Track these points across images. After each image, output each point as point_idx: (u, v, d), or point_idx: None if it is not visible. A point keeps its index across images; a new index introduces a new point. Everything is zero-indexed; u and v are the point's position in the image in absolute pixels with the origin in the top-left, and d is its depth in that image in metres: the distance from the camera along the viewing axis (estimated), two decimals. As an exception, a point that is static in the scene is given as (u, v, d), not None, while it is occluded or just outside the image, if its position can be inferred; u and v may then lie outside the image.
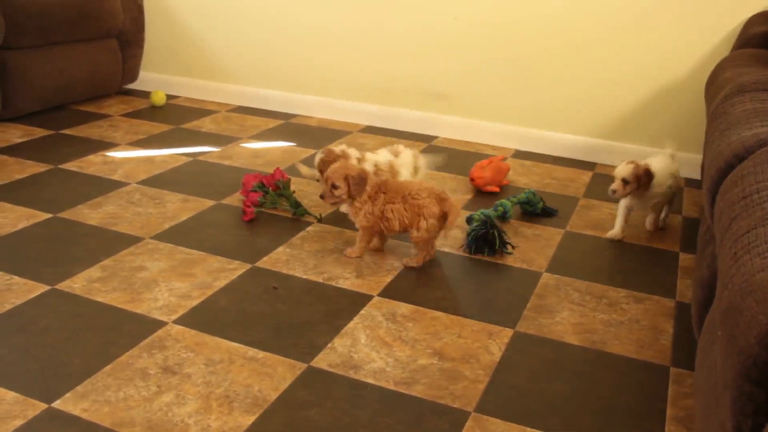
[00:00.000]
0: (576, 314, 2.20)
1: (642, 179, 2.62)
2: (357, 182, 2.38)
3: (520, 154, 3.69)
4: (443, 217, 2.38)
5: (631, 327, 2.15)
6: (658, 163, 2.72)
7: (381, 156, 2.79)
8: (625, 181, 2.62)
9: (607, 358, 1.99)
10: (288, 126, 3.97)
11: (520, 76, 3.68)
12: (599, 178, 3.41)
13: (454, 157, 3.57)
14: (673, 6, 3.32)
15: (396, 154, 2.82)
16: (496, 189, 3.12)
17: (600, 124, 3.62)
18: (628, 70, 3.48)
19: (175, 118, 3.98)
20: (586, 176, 3.43)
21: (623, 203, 2.73)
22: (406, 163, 2.81)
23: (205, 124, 3.90)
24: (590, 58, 3.53)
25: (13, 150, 3.32)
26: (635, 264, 2.56)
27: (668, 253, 2.65)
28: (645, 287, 2.38)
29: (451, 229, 2.42)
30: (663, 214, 2.84)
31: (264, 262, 2.40)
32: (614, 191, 2.64)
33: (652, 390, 1.87)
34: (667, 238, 2.77)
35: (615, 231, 2.74)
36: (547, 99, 3.68)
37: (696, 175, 3.47)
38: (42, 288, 2.18)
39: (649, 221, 2.82)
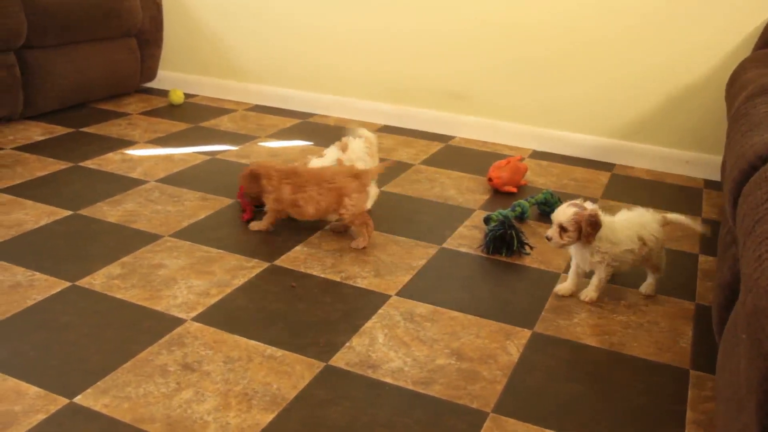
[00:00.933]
0: (594, 315, 2.20)
1: (583, 228, 2.15)
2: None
3: (537, 155, 3.68)
4: (362, 188, 2.51)
5: (650, 329, 2.14)
6: (630, 217, 2.28)
7: (327, 158, 2.75)
8: (562, 228, 2.17)
9: (626, 359, 1.99)
10: (305, 125, 3.98)
11: (537, 76, 3.67)
12: (618, 179, 3.39)
13: (471, 157, 3.57)
14: (693, 4, 3.30)
15: (344, 149, 2.78)
16: (514, 189, 3.12)
17: (618, 124, 3.61)
18: (647, 70, 3.47)
19: (193, 117, 4.00)
20: (604, 177, 3.42)
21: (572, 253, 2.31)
22: (358, 154, 2.77)
23: (223, 123, 3.92)
24: (609, 58, 3.51)
25: (34, 148, 3.35)
26: (654, 266, 2.55)
27: (687, 255, 2.64)
28: (664, 289, 2.37)
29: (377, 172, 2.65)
30: (648, 281, 2.35)
31: (282, 261, 2.41)
32: (549, 238, 2.20)
33: (672, 393, 1.86)
34: (686, 240, 2.76)
35: (564, 285, 2.31)
36: (565, 99, 3.67)
37: (715, 176, 3.44)
38: (63, 284, 2.20)
39: (644, 285, 2.36)
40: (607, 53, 3.51)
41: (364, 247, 2.53)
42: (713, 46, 3.33)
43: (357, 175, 2.51)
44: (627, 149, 3.61)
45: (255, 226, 2.62)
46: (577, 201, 2.22)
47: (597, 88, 3.59)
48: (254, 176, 2.56)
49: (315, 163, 2.74)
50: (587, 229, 2.15)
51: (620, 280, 2.41)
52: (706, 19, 3.30)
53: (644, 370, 1.94)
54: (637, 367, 1.95)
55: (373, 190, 2.83)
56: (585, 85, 3.61)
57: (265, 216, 2.61)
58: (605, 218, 2.21)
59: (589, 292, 2.27)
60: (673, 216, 2.32)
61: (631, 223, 2.25)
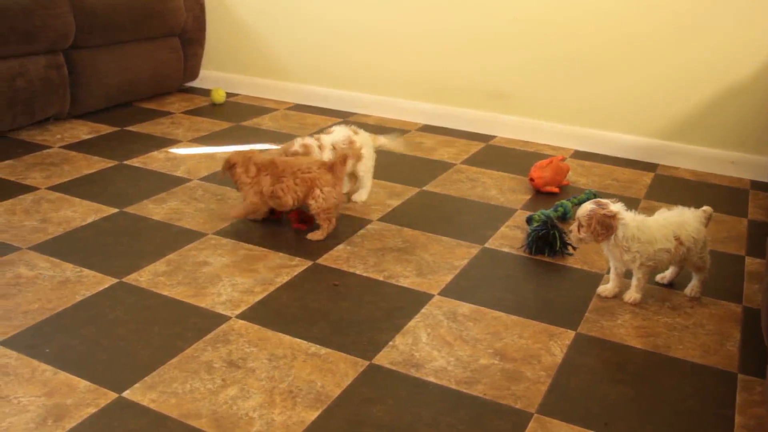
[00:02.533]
0: (638, 317, 2.17)
1: (595, 227, 2.17)
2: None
3: (579, 155, 3.65)
4: (337, 182, 2.56)
5: (696, 331, 2.11)
6: (668, 216, 2.25)
7: (338, 134, 2.89)
8: (580, 224, 2.21)
9: (672, 362, 1.96)
10: (346, 124, 3.98)
11: (579, 75, 3.64)
12: (661, 180, 3.35)
13: (512, 157, 3.55)
14: (740, 1, 3.24)
15: (355, 132, 2.91)
16: (556, 189, 3.10)
17: (662, 124, 3.56)
18: (691, 67, 3.41)
19: (235, 116, 4.04)
20: (647, 177, 3.38)
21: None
22: (366, 142, 2.90)
23: (265, 122, 3.95)
24: (653, 56, 3.47)
25: (80, 146, 3.41)
26: (699, 267, 2.51)
27: (734, 257, 2.60)
28: (710, 291, 2.33)
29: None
30: (693, 282, 2.31)
31: (325, 260, 2.43)
32: (570, 231, 2.28)
33: (719, 397, 1.83)
34: (732, 242, 2.71)
35: (606, 286, 2.30)
36: (607, 98, 3.63)
37: (762, 177, 3.38)
38: (110, 281, 2.24)
39: (688, 286, 2.33)
40: (649, 50, 3.47)
41: (319, 240, 2.57)
42: (760, 43, 3.26)
43: (331, 168, 2.56)
44: (670, 149, 3.56)
45: (232, 211, 2.66)
46: (605, 200, 2.23)
47: (639, 86, 3.55)
48: (230, 165, 2.61)
49: (326, 139, 2.87)
50: (596, 228, 2.16)
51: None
52: (753, 14, 3.24)
53: (690, 373, 1.92)
54: (683, 370, 1.93)
55: (369, 152, 2.91)
56: (627, 84, 3.57)
57: (243, 205, 2.64)
58: (637, 218, 2.20)
59: (632, 294, 2.25)
60: (708, 208, 2.28)
61: (668, 222, 2.22)
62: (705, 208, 2.27)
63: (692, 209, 2.27)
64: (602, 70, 3.59)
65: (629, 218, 2.19)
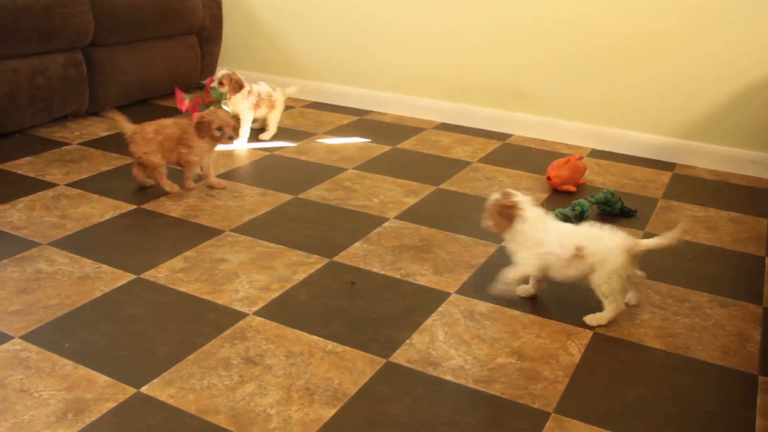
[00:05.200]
0: (657, 317, 2.16)
1: (495, 217, 2.15)
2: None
3: (596, 153, 3.63)
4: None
5: (716, 332, 2.10)
6: (585, 228, 2.13)
7: (263, 87, 3.58)
8: (487, 212, 2.20)
9: (691, 363, 1.95)
10: (363, 122, 3.99)
11: (597, 73, 3.62)
12: (679, 179, 3.33)
13: (529, 156, 3.54)
14: None
15: (273, 89, 3.62)
16: (573, 188, 3.08)
17: (681, 122, 3.54)
18: (712, 66, 3.38)
19: (251, 114, 4.04)
20: (665, 177, 3.36)
21: None
22: (279, 97, 3.64)
23: (281, 120, 3.94)
24: (671, 54, 3.45)
25: (99, 143, 3.43)
26: (719, 268, 2.49)
27: (753, 258, 2.58)
28: (729, 292, 2.32)
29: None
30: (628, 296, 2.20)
31: (341, 257, 2.43)
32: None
33: (740, 398, 1.82)
34: (752, 243, 2.69)
35: (524, 286, 2.25)
36: (624, 96, 3.61)
37: (782, 177, 3.36)
38: (128, 277, 2.25)
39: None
40: (668, 48, 3.45)
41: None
42: (782, 44, 3.24)
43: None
44: (689, 148, 3.54)
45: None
46: (513, 191, 2.17)
47: (658, 85, 3.52)
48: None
49: (255, 87, 3.56)
50: (496, 218, 2.15)
51: (684, 281, 2.36)
52: (775, 15, 3.22)
53: (710, 375, 1.91)
54: (703, 372, 1.92)
55: (281, 104, 3.67)
56: (645, 82, 3.54)
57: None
58: (539, 215, 2.14)
59: (525, 288, 2.23)
60: (650, 242, 2.10)
61: (574, 231, 2.13)
62: (637, 243, 2.09)
63: (624, 235, 2.10)
64: (620, 68, 3.57)
65: (530, 213, 2.12)
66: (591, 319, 2.12)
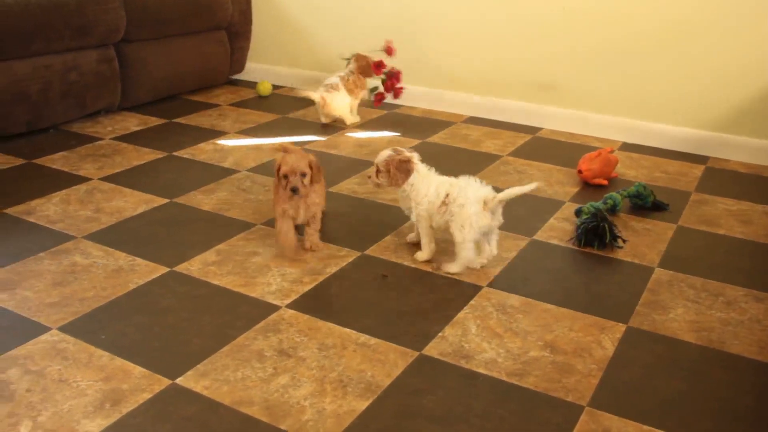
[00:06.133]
0: (691, 311, 2.14)
1: (392, 171, 2.31)
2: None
3: (627, 147, 3.60)
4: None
5: (752, 327, 2.07)
6: (456, 180, 2.30)
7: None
8: (378, 169, 2.36)
9: (726, 358, 1.93)
10: (392, 116, 3.99)
11: (627, 65, 3.59)
12: (712, 173, 3.29)
13: (559, 149, 3.52)
14: (797, -8, 3.17)
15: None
16: (605, 182, 3.06)
17: (714, 115, 3.49)
18: (743, 57, 3.33)
19: (281, 108, 4.06)
20: (697, 170, 3.32)
21: None
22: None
23: (310, 114, 3.96)
24: (702, 45, 3.40)
25: (131, 138, 3.46)
26: (754, 262, 2.46)
27: (789, 252, 2.54)
28: (765, 286, 2.28)
29: None
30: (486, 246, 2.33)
31: (373, 251, 2.43)
32: (369, 176, 2.41)
33: (776, 393, 1.80)
34: (788, 236, 2.65)
35: (418, 252, 2.39)
36: (656, 89, 3.57)
37: (818, 170, 3.30)
38: (162, 270, 2.27)
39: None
40: (700, 40, 3.40)
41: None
42: (818, 34, 3.18)
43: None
44: (722, 141, 3.49)
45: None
46: (400, 148, 2.38)
47: (689, 77, 3.48)
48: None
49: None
50: (395, 172, 2.30)
51: (719, 275, 2.34)
52: (811, 5, 3.16)
53: (747, 370, 1.88)
54: (739, 367, 1.89)
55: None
56: (677, 75, 3.50)
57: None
58: (424, 170, 2.34)
59: (420, 252, 2.38)
60: (504, 193, 2.25)
61: (448, 181, 2.31)
62: (496, 196, 2.24)
63: (487, 186, 2.28)
64: (652, 61, 3.53)
65: (421, 167, 2.33)
66: (446, 266, 2.30)
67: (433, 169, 2.37)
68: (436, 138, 3.63)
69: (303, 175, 2.29)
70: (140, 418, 1.63)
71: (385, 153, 2.35)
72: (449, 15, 3.93)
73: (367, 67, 3.78)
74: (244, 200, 2.80)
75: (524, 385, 1.78)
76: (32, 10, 3.23)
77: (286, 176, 2.28)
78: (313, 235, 2.43)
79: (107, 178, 2.96)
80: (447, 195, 2.25)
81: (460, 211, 2.22)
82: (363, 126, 3.79)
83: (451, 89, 4.08)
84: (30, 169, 3.03)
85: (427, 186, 2.30)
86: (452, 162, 3.28)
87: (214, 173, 3.06)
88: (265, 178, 3.01)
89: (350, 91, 3.74)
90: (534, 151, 3.47)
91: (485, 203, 2.22)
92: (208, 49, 4.21)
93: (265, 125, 3.74)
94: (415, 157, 2.34)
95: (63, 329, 1.94)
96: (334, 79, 3.74)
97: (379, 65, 3.81)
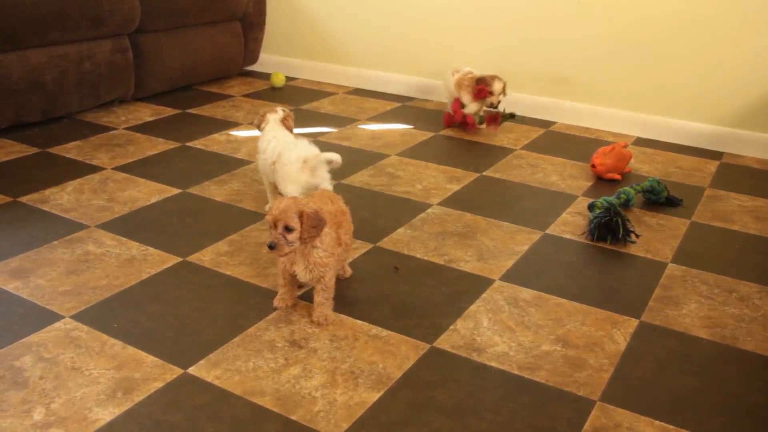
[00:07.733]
0: (704, 307, 2.13)
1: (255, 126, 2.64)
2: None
3: (641, 142, 3.58)
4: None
5: (765, 324, 2.06)
6: (293, 138, 2.50)
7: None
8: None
9: (739, 354, 1.92)
10: (405, 109, 3.99)
11: (643, 60, 3.56)
12: (726, 168, 3.27)
13: (573, 143, 3.50)
14: (816, -13, 3.13)
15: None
16: (618, 176, 3.04)
17: (728, 111, 3.46)
18: (758, 52, 3.30)
19: (294, 100, 4.06)
20: (711, 166, 3.30)
21: None
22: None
23: (324, 106, 3.96)
24: (719, 40, 3.37)
25: (144, 128, 3.47)
26: (768, 258, 2.45)
27: (804, 248, 2.52)
28: (779, 283, 2.27)
29: None
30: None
31: (385, 243, 2.43)
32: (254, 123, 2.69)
33: (790, 390, 1.79)
34: (803, 233, 2.64)
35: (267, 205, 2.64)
36: (670, 84, 3.55)
37: (834, 167, 3.27)
38: (174, 259, 2.28)
39: None
40: (716, 35, 3.37)
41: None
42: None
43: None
44: (736, 137, 3.47)
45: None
46: (280, 108, 2.65)
47: (705, 72, 3.45)
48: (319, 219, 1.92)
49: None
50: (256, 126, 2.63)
51: (732, 271, 2.32)
52: (830, 0, 3.13)
53: (759, 366, 1.87)
54: (752, 363, 1.88)
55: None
56: (692, 70, 3.48)
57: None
58: (274, 127, 2.57)
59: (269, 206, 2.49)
60: (328, 154, 2.36)
61: (283, 140, 2.46)
62: (318, 155, 2.35)
63: (311, 147, 2.40)
64: (666, 55, 3.51)
65: (271, 123, 2.57)
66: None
67: (292, 133, 2.55)
68: (449, 131, 3.62)
69: (288, 229, 1.85)
70: (152, 407, 1.63)
71: (262, 111, 2.66)
72: (463, 7, 3.92)
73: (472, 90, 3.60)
74: (256, 191, 2.80)
75: (536, 379, 1.78)
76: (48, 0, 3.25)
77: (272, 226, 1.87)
78: (322, 305, 1.96)
79: (120, 168, 2.97)
80: (279, 154, 2.41)
81: (283, 168, 2.39)
82: (376, 118, 3.78)
83: (464, 82, 4.06)
84: (44, 158, 3.05)
85: (266, 143, 2.50)
86: (465, 155, 3.27)
87: (227, 164, 3.06)
88: (278, 170, 3.01)
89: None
90: (547, 145, 3.45)
91: (305, 162, 2.35)
92: (222, 40, 4.21)
93: (278, 117, 3.74)
94: (278, 113, 2.60)
95: (76, 317, 1.95)
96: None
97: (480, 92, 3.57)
